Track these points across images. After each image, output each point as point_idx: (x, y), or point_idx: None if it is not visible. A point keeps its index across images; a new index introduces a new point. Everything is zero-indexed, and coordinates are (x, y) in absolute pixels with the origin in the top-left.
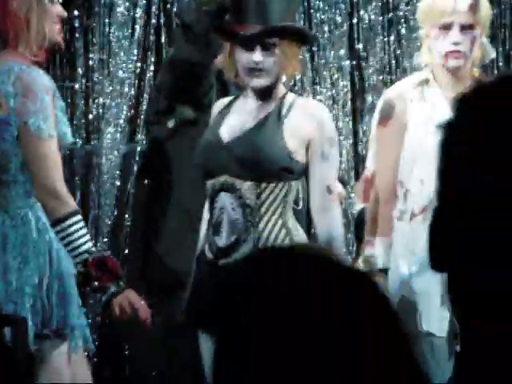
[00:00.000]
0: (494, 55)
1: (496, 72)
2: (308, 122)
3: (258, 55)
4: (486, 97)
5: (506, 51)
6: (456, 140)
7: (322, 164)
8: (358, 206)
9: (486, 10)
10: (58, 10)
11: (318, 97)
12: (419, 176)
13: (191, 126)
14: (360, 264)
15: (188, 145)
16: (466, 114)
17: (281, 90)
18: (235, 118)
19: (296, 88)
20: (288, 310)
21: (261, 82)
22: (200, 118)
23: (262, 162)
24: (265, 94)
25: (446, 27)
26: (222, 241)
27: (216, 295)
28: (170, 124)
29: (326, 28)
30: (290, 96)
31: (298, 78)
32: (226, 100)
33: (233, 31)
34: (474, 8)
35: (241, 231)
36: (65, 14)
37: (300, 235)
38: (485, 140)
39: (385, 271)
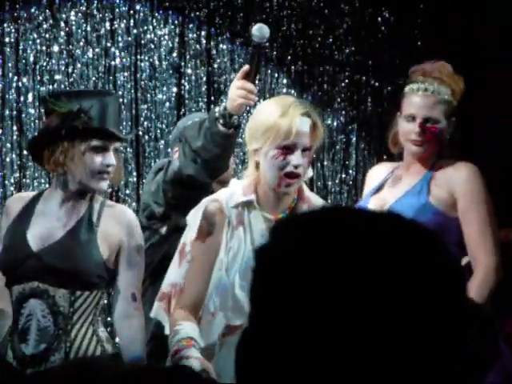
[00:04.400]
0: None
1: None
2: (118, 229)
3: (112, 158)
4: (303, 226)
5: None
6: (267, 265)
7: (129, 271)
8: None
9: (321, 133)
10: None
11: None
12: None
13: (182, 232)
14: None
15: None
16: (281, 241)
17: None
18: (42, 223)
19: (120, 194)
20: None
21: (105, 185)
22: None
23: (78, 273)
24: (80, 198)
25: (289, 149)
26: (28, 349)
27: None
28: (163, 230)
29: None
30: (98, 200)
31: (122, 183)
32: (23, 197)
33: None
34: (313, 130)
35: (51, 339)
36: None
37: (110, 342)
38: (294, 269)
39: None
